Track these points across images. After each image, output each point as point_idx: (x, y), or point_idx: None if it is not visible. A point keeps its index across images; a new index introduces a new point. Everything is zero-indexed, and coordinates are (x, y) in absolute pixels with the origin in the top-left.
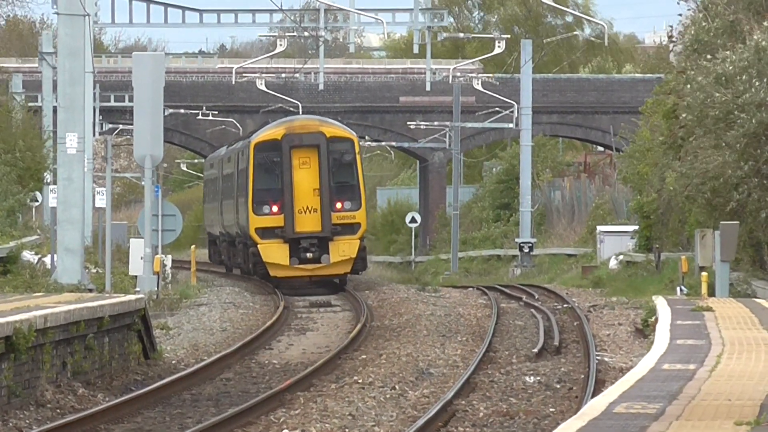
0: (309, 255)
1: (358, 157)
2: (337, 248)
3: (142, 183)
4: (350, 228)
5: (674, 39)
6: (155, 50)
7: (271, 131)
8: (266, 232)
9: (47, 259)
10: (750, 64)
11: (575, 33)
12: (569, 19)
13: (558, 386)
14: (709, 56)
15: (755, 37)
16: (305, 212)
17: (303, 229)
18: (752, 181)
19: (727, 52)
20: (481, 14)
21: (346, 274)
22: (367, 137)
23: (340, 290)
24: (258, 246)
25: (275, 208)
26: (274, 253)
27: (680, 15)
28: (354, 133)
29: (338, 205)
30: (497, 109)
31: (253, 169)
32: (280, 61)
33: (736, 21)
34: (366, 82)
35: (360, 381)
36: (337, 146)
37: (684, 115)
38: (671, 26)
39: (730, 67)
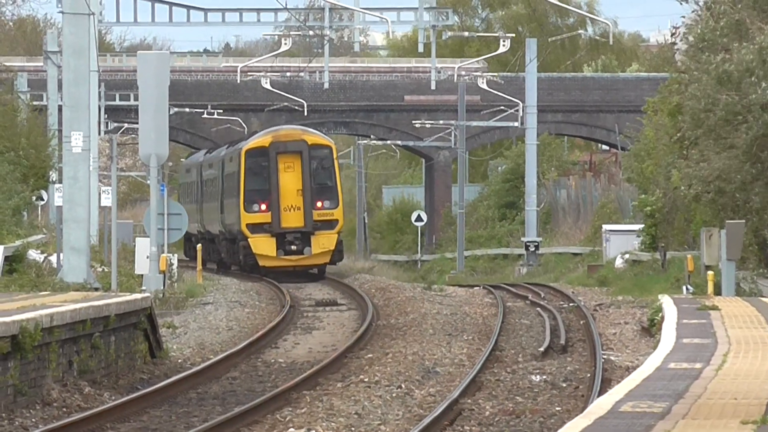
0: (293, 247)
1: (335, 162)
2: (318, 241)
3: (148, 182)
4: (329, 224)
5: (678, 38)
6: (160, 49)
7: (260, 139)
8: (255, 228)
9: (53, 258)
10: (756, 65)
11: (579, 32)
12: (573, 18)
13: (564, 385)
14: (710, 54)
15: (758, 39)
16: (290, 210)
17: (288, 224)
18: (757, 184)
19: (728, 55)
20: (485, 13)
21: (326, 265)
22: (372, 136)
23: (320, 278)
24: (248, 240)
25: (263, 207)
26: (263, 246)
27: (683, 17)
28: (332, 141)
29: (319, 204)
30: (502, 107)
31: (244, 172)
32: (285, 59)
33: (741, 20)
34: (371, 81)
35: (366, 380)
36: (318, 152)
37: (681, 118)
38: (675, 27)
39: (732, 66)
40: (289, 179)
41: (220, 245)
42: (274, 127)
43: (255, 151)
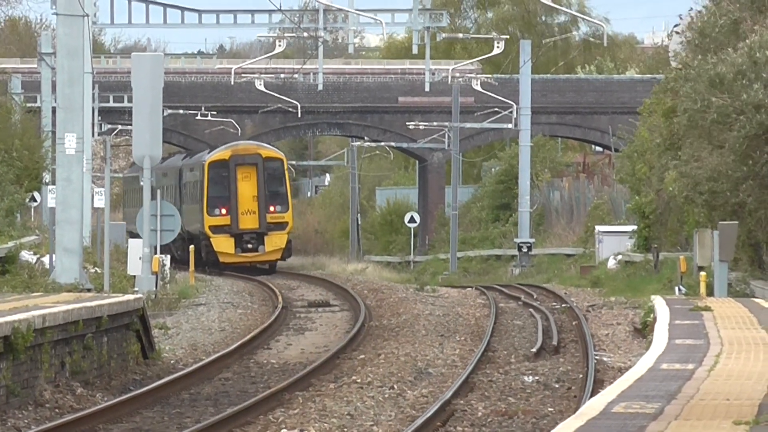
0: (249, 246)
1: (286, 172)
2: (271, 241)
3: (141, 183)
4: (280, 226)
5: (679, 30)
6: (154, 51)
7: (221, 153)
8: (217, 229)
9: (46, 259)
10: (746, 68)
11: (573, 33)
12: (565, 18)
13: (556, 386)
14: (702, 57)
15: (748, 41)
16: (247, 214)
17: (245, 226)
18: (750, 183)
19: (718, 56)
20: (476, 15)
21: (277, 261)
22: (366, 137)
23: (272, 272)
24: (211, 239)
25: (224, 211)
26: (223, 245)
27: (691, 9)
28: (283, 154)
29: (271, 209)
30: (496, 109)
31: (207, 181)
32: (279, 61)
33: (740, 19)
34: (365, 83)
35: (359, 381)
36: (271, 164)
37: (676, 120)
38: (680, 15)
39: (723, 69)
40: (246, 187)
41: (174, 245)
42: (233, 142)
43: (217, 163)
